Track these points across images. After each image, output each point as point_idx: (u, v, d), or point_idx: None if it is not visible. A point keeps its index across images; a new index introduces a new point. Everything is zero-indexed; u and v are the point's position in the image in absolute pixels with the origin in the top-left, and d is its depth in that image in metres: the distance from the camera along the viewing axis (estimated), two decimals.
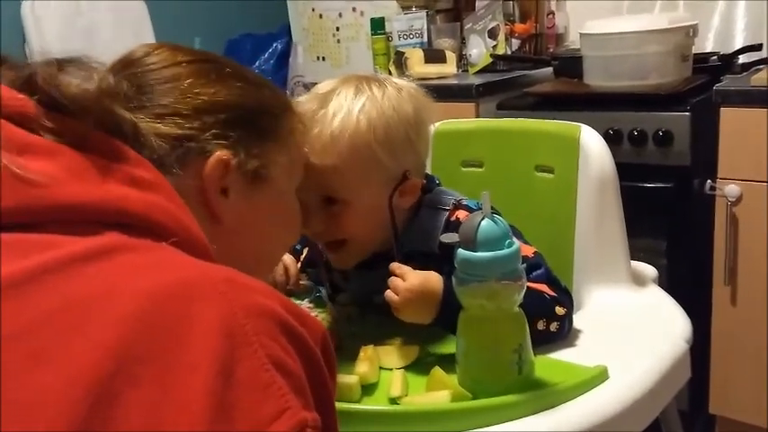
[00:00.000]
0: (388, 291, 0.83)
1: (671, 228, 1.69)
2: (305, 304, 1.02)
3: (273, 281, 0.95)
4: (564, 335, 0.87)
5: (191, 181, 0.63)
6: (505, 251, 0.74)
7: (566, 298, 0.88)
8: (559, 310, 0.86)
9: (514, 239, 0.76)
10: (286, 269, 0.96)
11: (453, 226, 0.89)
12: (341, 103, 0.87)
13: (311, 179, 0.85)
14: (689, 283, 1.68)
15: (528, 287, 0.82)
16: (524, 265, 0.85)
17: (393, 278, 0.84)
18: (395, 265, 0.85)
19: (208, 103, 0.65)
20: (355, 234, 0.90)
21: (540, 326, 0.84)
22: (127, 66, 0.67)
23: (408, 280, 0.83)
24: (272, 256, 0.78)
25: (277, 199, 0.71)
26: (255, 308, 0.46)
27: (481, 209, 0.76)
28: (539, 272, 0.88)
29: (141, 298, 0.44)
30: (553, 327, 0.85)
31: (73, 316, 0.42)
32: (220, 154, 0.64)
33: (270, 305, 0.47)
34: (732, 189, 1.58)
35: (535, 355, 0.79)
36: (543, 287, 0.86)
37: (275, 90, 0.74)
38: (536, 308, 0.83)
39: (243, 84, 0.68)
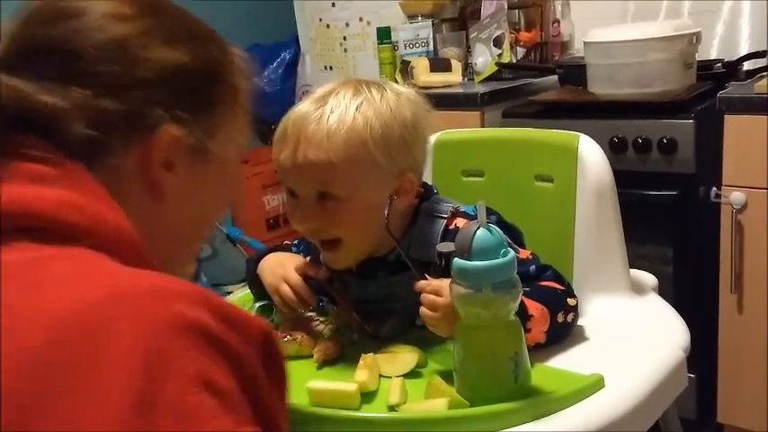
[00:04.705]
0: (423, 308, 0.83)
1: (677, 235, 1.69)
2: (307, 313, 1.03)
3: (292, 314, 0.97)
4: (575, 324, 0.92)
5: (133, 159, 0.55)
6: (500, 260, 0.75)
7: (571, 290, 0.93)
8: (571, 301, 0.90)
9: (509, 249, 0.77)
10: (294, 290, 0.96)
11: (452, 234, 0.90)
12: (339, 101, 0.89)
13: (307, 174, 0.88)
14: (696, 290, 1.68)
15: (544, 285, 0.88)
16: (533, 267, 0.90)
17: (427, 295, 0.83)
18: (423, 283, 0.84)
19: (158, 71, 0.56)
20: (349, 232, 0.91)
21: (560, 318, 0.88)
22: (51, 21, 0.55)
23: (445, 295, 0.81)
24: (210, 222, 0.70)
25: (222, 168, 0.63)
26: (181, 321, 0.42)
27: None
28: (548, 273, 0.92)
29: (49, 326, 0.39)
30: (569, 318, 0.90)
31: None
32: (169, 129, 0.56)
33: (196, 316, 0.42)
34: (737, 196, 1.58)
35: (531, 363, 0.80)
36: (554, 284, 0.91)
37: (222, 44, 0.65)
38: (555, 304, 0.88)
39: (193, 42, 0.60)
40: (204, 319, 0.43)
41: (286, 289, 0.96)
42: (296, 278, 0.96)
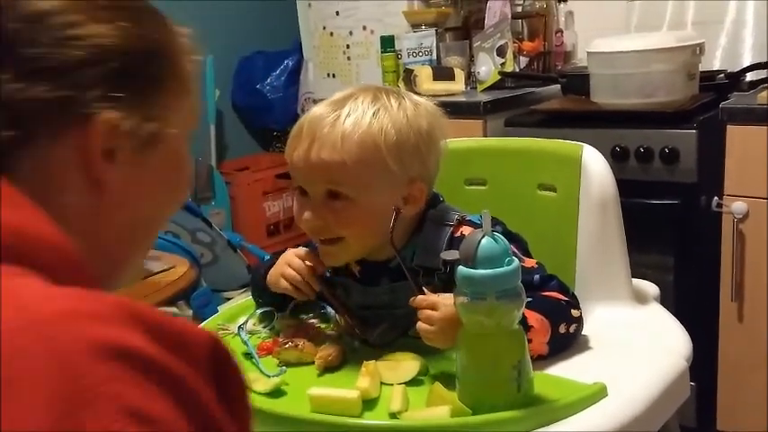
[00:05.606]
0: (420, 323, 0.84)
1: (678, 244, 1.69)
2: (310, 320, 1.03)
3: (304, 298, 0.97)
4: (579, 336, 0.92)
5: (64, 152, 0.50)
6: (505, 269, 0.76)
7: (576, 302, 0.92)
8: (575, 313, 0.90)
9: (514, 258, 0.78)
10: (298, 272, 0.97)
11: (457, 242, 0.90)
12: (357, 105, 0.90)
13: (318, 173, 0.89)
14: (696, 299, 1.69)
15: (546, 296, 0.88)
16: (538, 276, 0.90)
17: (424, 310, 0.84)
18: (420, 299, 0.86)
19: (90, 52, 0.50)
20: (353, 233, 0.92)
21: (562, 329, 0.88)
22: None
23: (441, 310, 0.83)
24: (162, 218, 0.62)
25: (171, 158, 0.58)
26: (100, 346, 0.37)
27: None
28: (552, 283, 0.92)
29: None
30: (572, 329, 0.90)
31: None
32: (107, 117, 0.50)
33: (120, 338, 0.38)
34: (739, 206, 1.59)
35: (534, 371, 0.80)
36: (558, 294, 0.91)
37: (163, 21, 0.57)
38: (557, 314, 0.88)
39: (129, 19, 0.53)
40: (130, 341, 0.38)
41: (290, 271, 0.97)
42: (298, 261, 0.97)
